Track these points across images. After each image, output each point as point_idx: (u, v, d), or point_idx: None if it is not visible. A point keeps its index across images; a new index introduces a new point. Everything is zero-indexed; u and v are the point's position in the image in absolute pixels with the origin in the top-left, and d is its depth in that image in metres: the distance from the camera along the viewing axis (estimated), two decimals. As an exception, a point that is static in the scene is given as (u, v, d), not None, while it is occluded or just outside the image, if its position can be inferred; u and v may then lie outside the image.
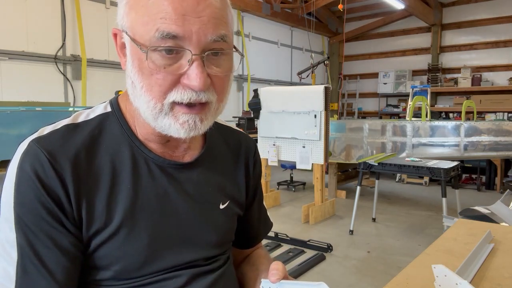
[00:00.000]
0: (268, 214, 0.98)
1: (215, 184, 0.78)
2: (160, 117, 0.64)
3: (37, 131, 0.67)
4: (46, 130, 0.67)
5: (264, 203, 0.97)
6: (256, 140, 4.77)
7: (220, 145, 0.83)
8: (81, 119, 0.71)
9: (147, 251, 0.68)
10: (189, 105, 0.63)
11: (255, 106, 4.61)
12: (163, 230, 0.70)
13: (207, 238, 0.75)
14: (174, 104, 0.63)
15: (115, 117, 0.72)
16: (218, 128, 0.84)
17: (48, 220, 0.62)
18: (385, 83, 8.98)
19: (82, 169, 0.65)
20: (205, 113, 0.66)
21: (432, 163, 3.70)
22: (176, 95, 0.62)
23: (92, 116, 0.71)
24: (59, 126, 0.68)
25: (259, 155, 0.91)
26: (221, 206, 0.78)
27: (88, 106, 4.87)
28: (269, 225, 0.97)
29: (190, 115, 0.64)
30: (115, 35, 0.66)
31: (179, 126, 0.64)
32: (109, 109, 0.73)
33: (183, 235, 0.72)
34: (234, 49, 0.67)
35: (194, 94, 0.62)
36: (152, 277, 0.69)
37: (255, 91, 4.67)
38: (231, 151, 0.85)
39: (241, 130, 0.93)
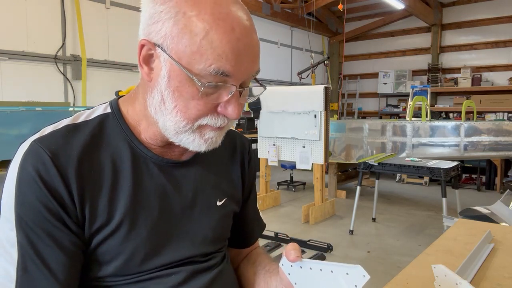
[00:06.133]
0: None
1: (212, 182, 0.80)
2: (185, 133, 0.67)
3: (38, 131, 0.68)
4: (47, 130, 0.68)
5: (257, 204, 0.99)
6: (256, 140, 4.78)
7: None
8: (81, 119, 0.72)
9: (146, 247, 0.70)
10: (217, 128, 0.68)
11: (255, 106, 4.61)
12: (161, 226, 0.72)
13: (204, 234, 0.77)
14: (204, 125, 0.67)
15: (115, 118, 0.73)
16: None
17: (49, 220, 0.63)
18: (385, 83, 8.98)
19: (85, 168, 0.66)
20: (225, 129, 0.71)
21: (432, 163, 3.70)
22: (209, 120, 0.66)
23: (92, 116, 0.73)
24: (60, 126, 0.69)
25: (253, 153, 0.93)
26: (218, 203, 0.80)
27: (88, 106, 4.88)
28: (262, 225, 0.99)
29: (215, 133, 0.68)
30: (142, 45, 0.65)
31: (203, 142, 0.68)
32: (109, 110, 0.74)
33: (181, 231, 0.74)
34: (258, 84, 0.72)
35: (225, 121, 0.67)
36: (152, 273, 0.71)
37: (255, 91, 4.67)
38: (226, 149, 0.86)
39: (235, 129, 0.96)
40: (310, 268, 0.62)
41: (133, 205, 0.69)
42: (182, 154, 0.77)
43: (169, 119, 0.65)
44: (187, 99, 0.64)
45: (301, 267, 0.63)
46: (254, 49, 0.64)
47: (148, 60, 0.66)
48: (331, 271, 0.60)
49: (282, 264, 0.66)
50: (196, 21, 0.60)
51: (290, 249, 0.64)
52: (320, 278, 0.61)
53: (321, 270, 0.61)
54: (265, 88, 0.74)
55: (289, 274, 0.65)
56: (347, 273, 0.58)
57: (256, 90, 0.73)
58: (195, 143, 0.68)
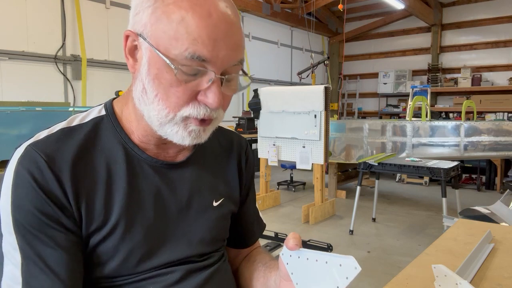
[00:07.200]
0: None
1: (208, 182, 0.80)
2: (169, 124, 0.66)
3: (33, 136, 0.68)
4: (42, 134, 0.69)
5: (256, 204, 0.98)
6: (256, 140, 4.78)
7: (212, 144, 0.84)
8: (75, 122, 0.72)
9: (142, 248, 0.70)
10: (201, 120, 0.67)
11: (255, 106, 4.61)
12: (157, 228, 0.72)
13: (201, 234, 0.77)
14: (187, 117, 0.66)
15: (109, 120, 0.73)
16: None
17: (47, 222, 0.63)
18: (385, 83, 8.98)
19: (80, 170, 0.67)
20: (211, 125, 0.70)
21: (432, 163, 3.70)
22: (192, 110, 0.65)
23: (87, 119, 0.73)
24: (54, 130, 0.70)
25: (250, 152, 0.93)
26: (215, 204, 0.80)
27: (88, 106, 4.89)
28: (262, 225, 0.99)
29: (199, 127, 0.68)
30: (126, 36, 0.66)
31: (186, 134, 0.67)
32: (103, 112, 0.75)
33: (177, 232, 0.75)
34: (244, 74, 0.70)
35: (208, 111, 0.66)
36: (148, 273, 0.71)
37: (255, 91, 4.68)
38: (223, 149, 0.87)
39: (232, 129, 0.95)
40: (307, 258, 0.63)
41: (128, 207, 0.69)
42: (177, 155, 0.77)
43: (152, 108, 0.65)
44: (166, 86, 0.63)
45: (299, 257, 0.64)
46: (234, 36, 0.63)
47: (133, 51, 0.67)
48: (326, 262, 0.60)
49: (282, 254, 0.66)
50: (173, 8, 0.61)
51: (290, 237, 0.64)
52: (315, 269, 0.61)
53: (316, 260, 0.61)
54: (251, 80, 0.73)
55: (287, 263, 0.65)
56: (340, 265, 0.59)
57: (243, 82, 0.72)
58: (179, 135, 0.67)
